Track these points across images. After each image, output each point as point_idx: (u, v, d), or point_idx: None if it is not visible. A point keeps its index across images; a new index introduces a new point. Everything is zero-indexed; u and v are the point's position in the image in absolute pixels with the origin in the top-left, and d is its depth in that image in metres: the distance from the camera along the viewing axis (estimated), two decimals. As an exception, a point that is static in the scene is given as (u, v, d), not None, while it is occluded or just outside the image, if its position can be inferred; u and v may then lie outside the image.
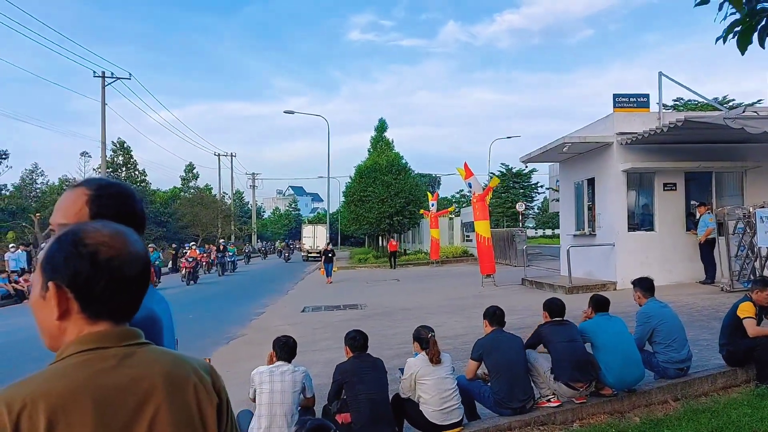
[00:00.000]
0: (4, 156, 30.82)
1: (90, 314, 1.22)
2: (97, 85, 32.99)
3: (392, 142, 37.67)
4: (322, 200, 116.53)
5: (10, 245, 22.87)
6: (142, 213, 1.74)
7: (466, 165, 18.32)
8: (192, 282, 24.56)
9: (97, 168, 41.65)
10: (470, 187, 18.59)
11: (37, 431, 1.07)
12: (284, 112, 38.65)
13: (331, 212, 43.85)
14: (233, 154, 62.80)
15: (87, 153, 44.04)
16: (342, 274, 27.21)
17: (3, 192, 31.70)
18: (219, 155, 61.00)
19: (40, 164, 65.60)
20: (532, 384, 5.42)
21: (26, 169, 38.01)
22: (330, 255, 24.15)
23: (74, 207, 1.63)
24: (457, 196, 71.62)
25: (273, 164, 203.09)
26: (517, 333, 5.77)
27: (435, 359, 4.96)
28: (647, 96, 15.32)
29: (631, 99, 15.20)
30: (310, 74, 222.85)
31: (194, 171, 63.97)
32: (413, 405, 5.01)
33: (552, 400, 5.43)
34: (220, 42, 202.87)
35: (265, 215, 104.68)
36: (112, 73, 33.00)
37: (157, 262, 25.05)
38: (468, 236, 34.04)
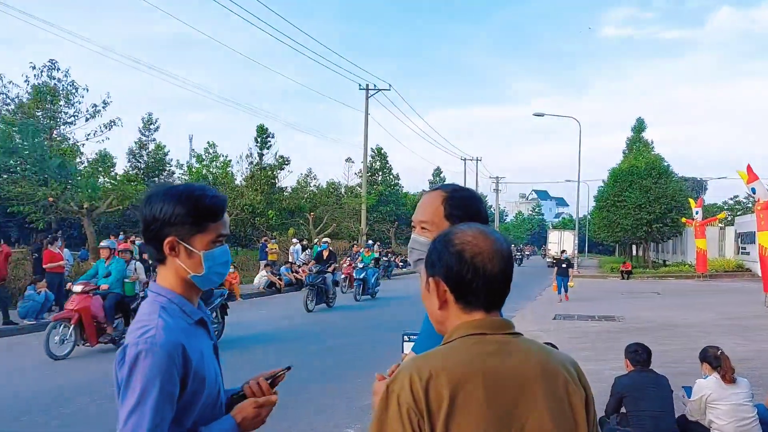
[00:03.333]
0: (286, 162, 35.56)
1: (463, 305, 1.36)
2: (360, 97, 36.30)
3: (651, 143, 34.83)
4: (568, 205, 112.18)
5: (292, 239, 26.45)
6: (486, 214, 1.88)
7: (749, 167, 16.08)
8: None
9: (358, 172, 45.93)
10: (753, 192, 16.27)
11: (441, 399, 1.22)
12: (534, 114, 38.02)
13: (578, 217, 41.98)
14: (479, 159, 64.00)
15: (350, 159, 48.57)
16: (590, 284, 25.91)
17: (284, 194, 36.42)
18: (465, 159, 62.68)
19: (313, 169, 74.64)
20: None
21: (301, 174, 43.39)
22: (564, 266, 19.20)
23: (432, 206, 1.84)
24: (731, 202, 63.16)
25: (516, 167, 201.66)
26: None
27: (728, 377, 4.47)
28: None
29: None
30: (557, 74, 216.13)
31: (441, 175, 66.70)
32: (703, 430, 4.57)
33: None
34: (467, 48, 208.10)
35: (508, 219, 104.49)
36: (375, 85, 36.04)
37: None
38: (744, 248, 29.80)
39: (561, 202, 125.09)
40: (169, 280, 1.67)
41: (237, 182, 33.37)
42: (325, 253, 16.79)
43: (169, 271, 1.67)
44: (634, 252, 37.85)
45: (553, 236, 48.17)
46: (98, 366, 8.65)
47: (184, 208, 1.63)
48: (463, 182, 69.33)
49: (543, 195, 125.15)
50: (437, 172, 66.04)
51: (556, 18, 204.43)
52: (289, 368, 1.85)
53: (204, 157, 32.47)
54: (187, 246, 1.64)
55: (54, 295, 12.59)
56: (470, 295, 1.35)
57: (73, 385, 7.50)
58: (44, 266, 13.02)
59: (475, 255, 1.33)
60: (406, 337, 6.19)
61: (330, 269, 16.14)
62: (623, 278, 28.81)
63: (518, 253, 53.08)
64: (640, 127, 35.45)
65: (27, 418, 6.21)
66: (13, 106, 23.40)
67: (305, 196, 38.71)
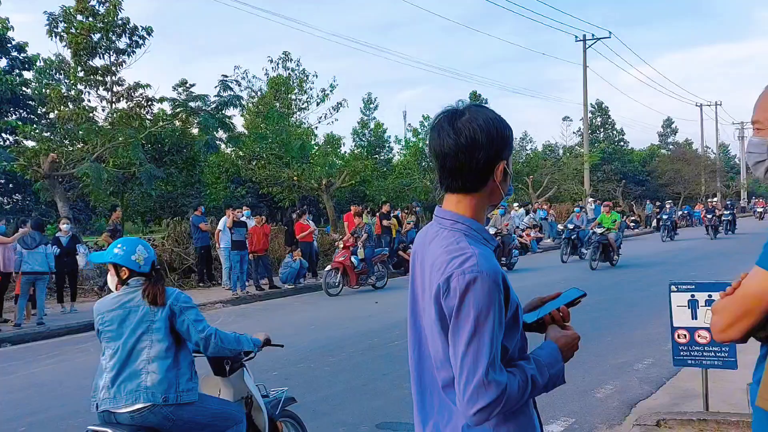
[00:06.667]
0: (503, 128, 35.19)
1: None
2: (576, 50, 34.25)
3: None
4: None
5: (514, 204, 26.13)
6: None
7: None
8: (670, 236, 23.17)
9: (577, 131, 43.66)
10: None
11: None
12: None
13: None
14: (718, 103, 56.65)
15: (568, 117, 46.44)
16: None
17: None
18: (701, 106, 55.94)
19: (528, 132, 72.74)
20: None
21: (516, 137, 42.57)
22: None
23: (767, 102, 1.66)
24: None
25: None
26: None
27: None
28: None
29: None
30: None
31: (673, 125, 60.45)
32: None
33: None
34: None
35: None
36: (593, 35, 33.70)
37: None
38: None
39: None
40: (470, 208, 1.60)
41: (453, 151, 33.76)
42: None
43: (476, 199, 1.60)
44: None
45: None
46: (354, 324, 9.50)
47: (511, 131, 1.62)
48: (699, 130, 62.12)
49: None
50: (668, 122, 59.97)
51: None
52: (584, 294, 1.73)
53: (420, 130, 33.45)
54: (507, 169, 1.62)
55: (307, 262, 14.04)
56: None
57: (338, 339, 8.33)
58: (297, 237, 14.57)
59: None
60: (673, 287, 5.62)
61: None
62: None
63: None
64: None
65: (303, 364, 6.99)
66: (256, 99, 26.42)
67: (521, 160, 38.01)
